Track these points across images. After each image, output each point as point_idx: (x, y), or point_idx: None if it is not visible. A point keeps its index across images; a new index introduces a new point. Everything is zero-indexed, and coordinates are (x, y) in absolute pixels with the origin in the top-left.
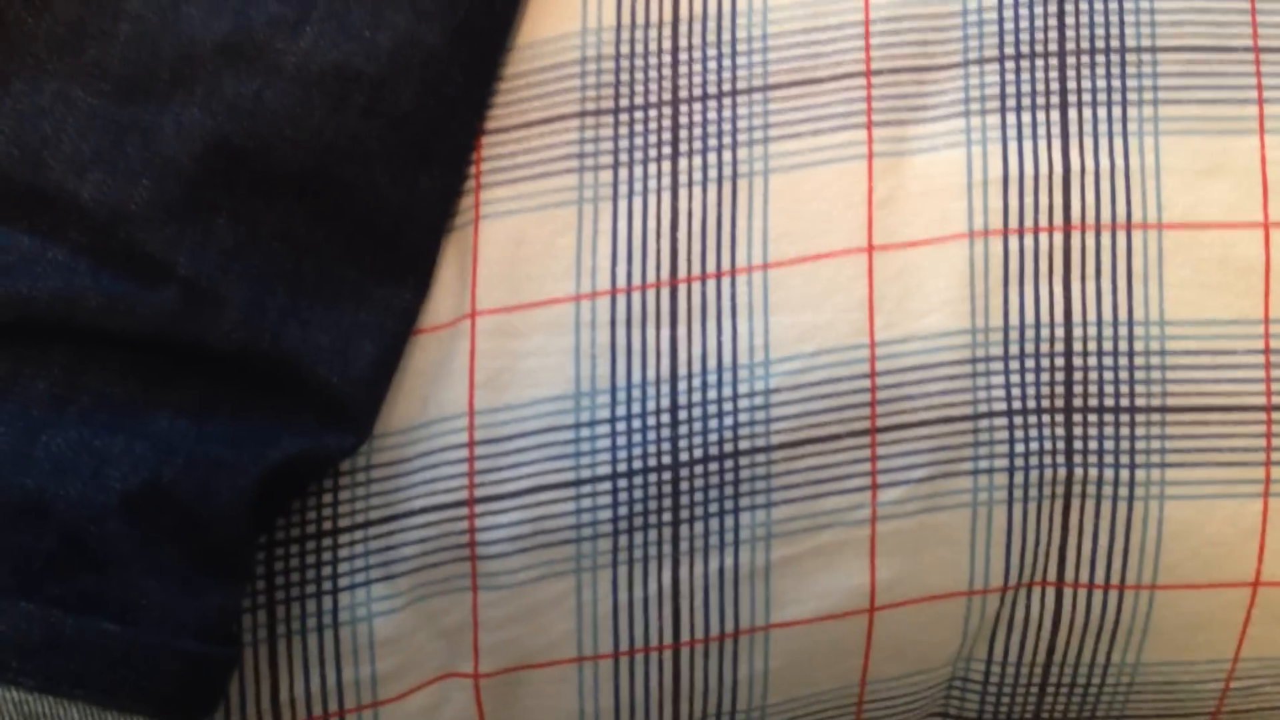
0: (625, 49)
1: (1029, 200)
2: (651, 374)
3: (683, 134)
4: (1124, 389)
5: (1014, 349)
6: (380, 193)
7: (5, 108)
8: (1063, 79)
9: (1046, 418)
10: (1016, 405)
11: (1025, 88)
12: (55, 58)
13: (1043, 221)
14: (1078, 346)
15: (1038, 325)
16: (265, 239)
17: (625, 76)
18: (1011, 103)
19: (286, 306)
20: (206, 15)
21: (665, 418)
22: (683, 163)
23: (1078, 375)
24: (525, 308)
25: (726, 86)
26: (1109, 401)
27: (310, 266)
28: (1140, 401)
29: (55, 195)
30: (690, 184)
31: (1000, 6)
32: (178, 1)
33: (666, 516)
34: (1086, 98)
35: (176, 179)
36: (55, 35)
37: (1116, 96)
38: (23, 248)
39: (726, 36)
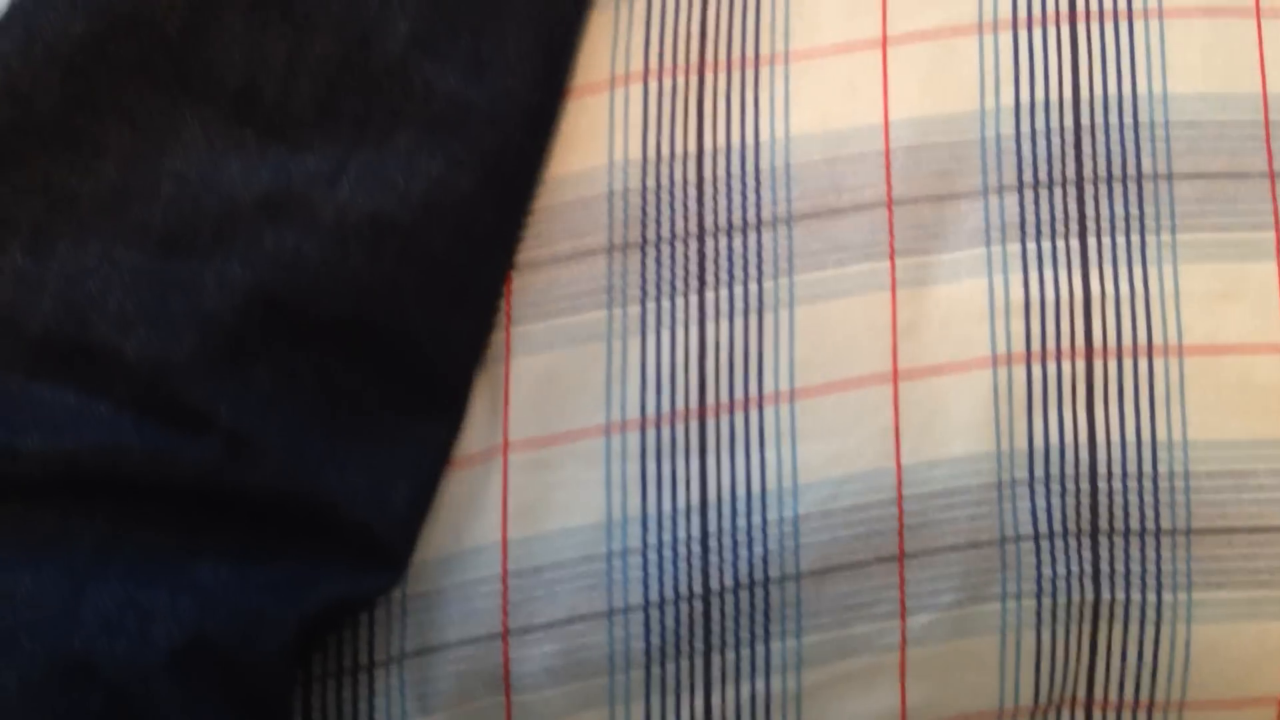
0: (651, 182)
1: (1050, 326)
2: (682, 503)
3: (709, 266)
4: (1149, 512)
5: (1039, 473)
6: (414, 334)
7: (52, 269)
8: (1081, 206)
9: (1073, 541)
10: (1043, 529)
11: (1044, 215)
12: (100, 218)
13: (1065, 347)
14: (1102, 470)
15: (1062, 449)
16: (303, 385)
17: (652, 210)
18: (1031, 230)
19: (324, 451)
20: (246, 171)
21: (696, 546)
22: (709, 295)
23: (1103, 499)
24: (556, 440)
25: (751, 218)
26: (1134, 524)
27: (347, 409)
28: (1165, 524)
29: (100, 352)
30: (717, 316)
31: (1018, 136)
32: (218, 159)
33: (698, 645)
34: (1105, 225)
35: (218, 332)
36: (100, 196)
37: (1134, 223)
38: (69, 404)
39: (750, 168)
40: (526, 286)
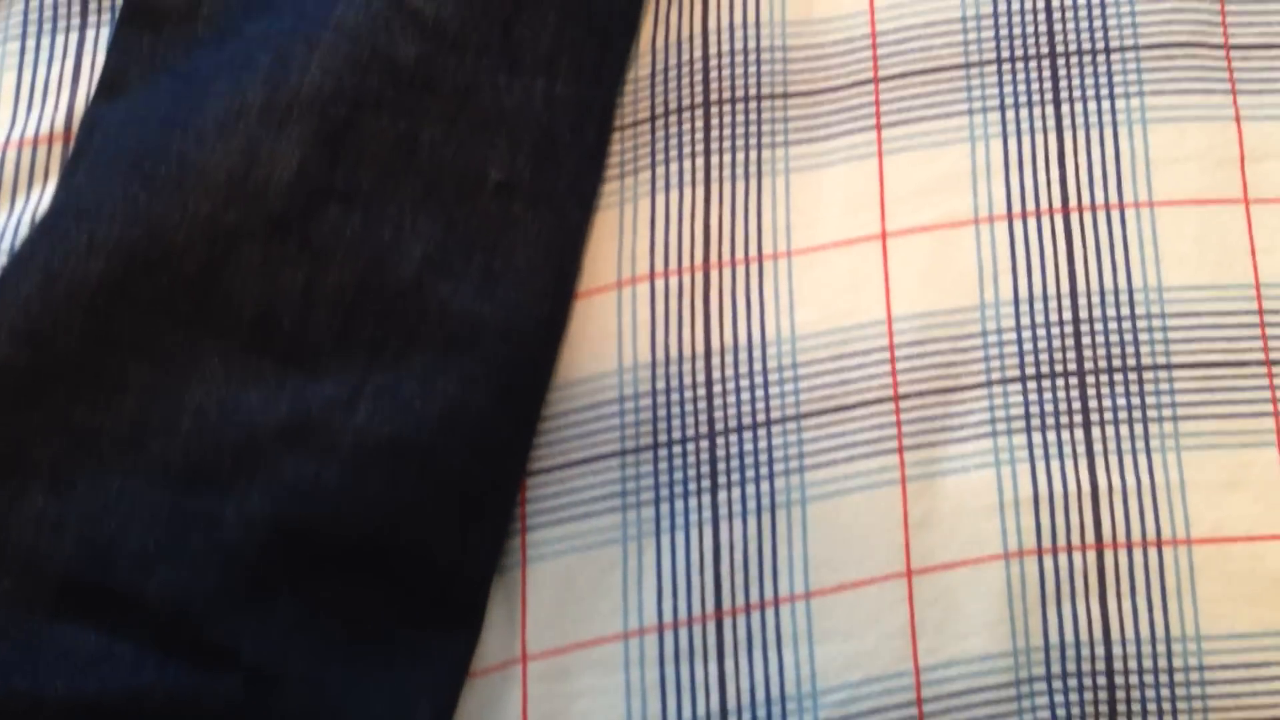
0: (661, 384)
1: (1060, 520)
2: (701, 709)
3: (720, 466)
4: (1166, 706)
5: (1055, 669)
6: (432, 551)
7: (73, 509)
8: (1084, 398)
9: None
10: None
11: (1049, 406)
12: (120, 455)
13: (1075, 541)
14: (1118, 665)
15: (1077, 644)
16: (323, 612)
17: (662, 412)
18: (1036, 422)
19: (345, 679)
20: (265, 401)
21: None
22: (722, 495)
23: (1120, 693)
24: (574, 648)
25: (761, 417)
26: (1153, 717)
27: (366, 632)
28: (1183, 716)
29: (122, 592)
30: (730, 516)
31: (1019, 328)
32: (237, 391)
33: None
34: (1109, 415)
35: (239, 567)
36: (120, 433)
37: (1137, 414)
38: (90, 646)
39: (759, 366)
40: (541, 493)
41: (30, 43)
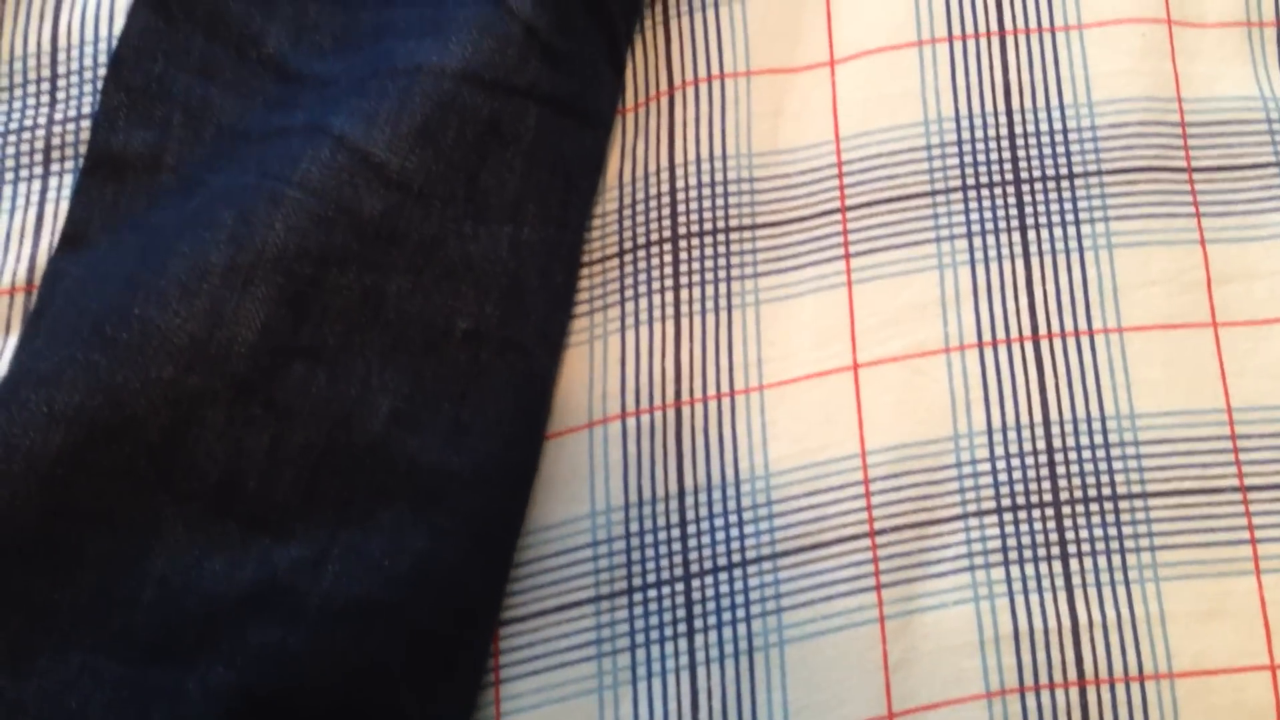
0: (635, 527)
1: (1041, 656)
2: None
3: (696, 609)
4: None
5: None
6: (404, 711)
7: (31, 687)
8: (1061, 529)
9: None
10: None
11: (1025, 539)
12: (80, 630)
13: (1057, 678)
14: None
15: None
16: None
17: (636, 555)
18: (1014, 555)
19: None
20: (230, 568)
21: None
22: (699, 639)
23: None
24: None
25: (736, 557)
26: None
27: None
28: None
29: None
30: (708, 661)
31: (993, 459)
32: (201, 558)
33: None
34: (1086, 547)
35: None
36: (80, 606)
37: (1115, 545)
38: None
39: (733, 505)
40: (515, 643)
41: None
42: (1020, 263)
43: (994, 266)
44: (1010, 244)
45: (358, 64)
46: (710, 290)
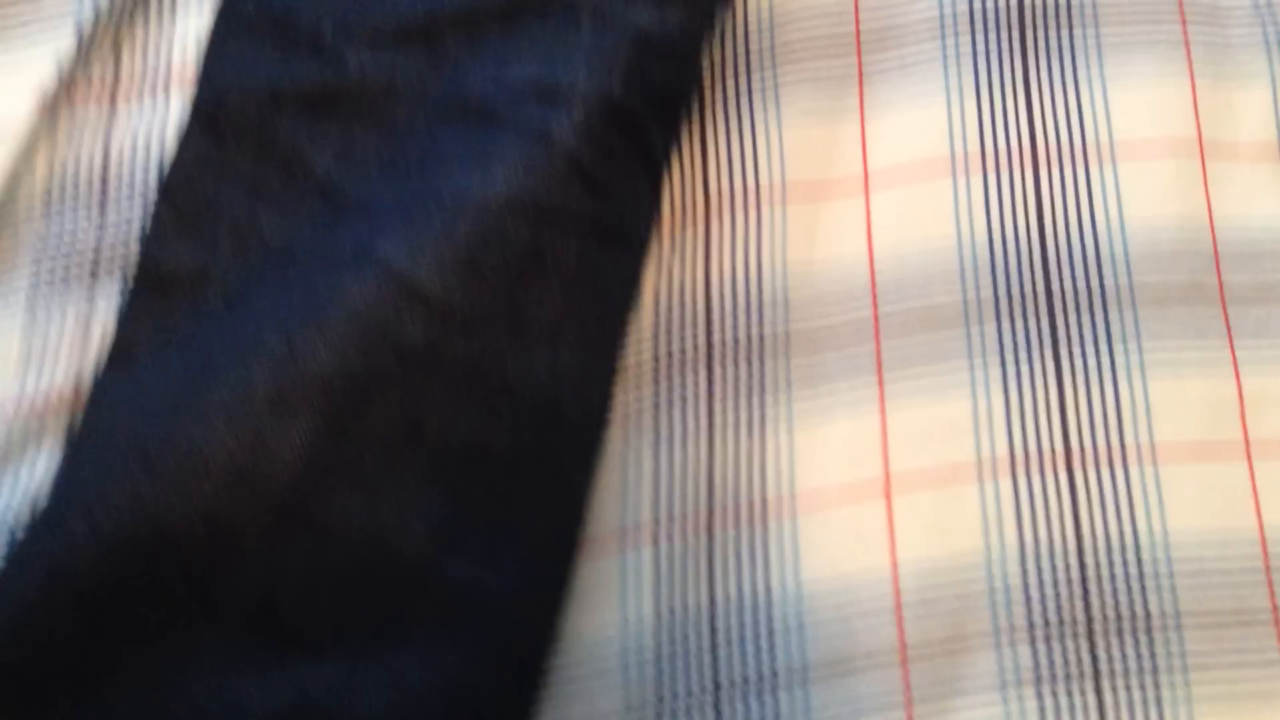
0: (666, 639)
1: None
2: None
3: None
4: None
5: None
6: None
7: None
8: (1093, 653)
9: None
10: None
11: (1058, 661)
12: None
13: None
14: None
15: None
16: None
17: (667, 668)
18: (1046, 677)
19: None
20: (263, 689)
21: None
22: None
23: None
24: None
25: (768, 674)
26: None
27: None
28: None
29: None
30: None
31: (1025, 581)
32: (235, 679)
33: None
34: (1119, 669)
35: None
36: None
37: (1148, 670)
38: None
39: (764, 622)
40: None
41: (40, 302)
42: (1053, 387)
43: (1026, 388)
44: (1043, 366)
45: (404, 190)
46: (745, 405)
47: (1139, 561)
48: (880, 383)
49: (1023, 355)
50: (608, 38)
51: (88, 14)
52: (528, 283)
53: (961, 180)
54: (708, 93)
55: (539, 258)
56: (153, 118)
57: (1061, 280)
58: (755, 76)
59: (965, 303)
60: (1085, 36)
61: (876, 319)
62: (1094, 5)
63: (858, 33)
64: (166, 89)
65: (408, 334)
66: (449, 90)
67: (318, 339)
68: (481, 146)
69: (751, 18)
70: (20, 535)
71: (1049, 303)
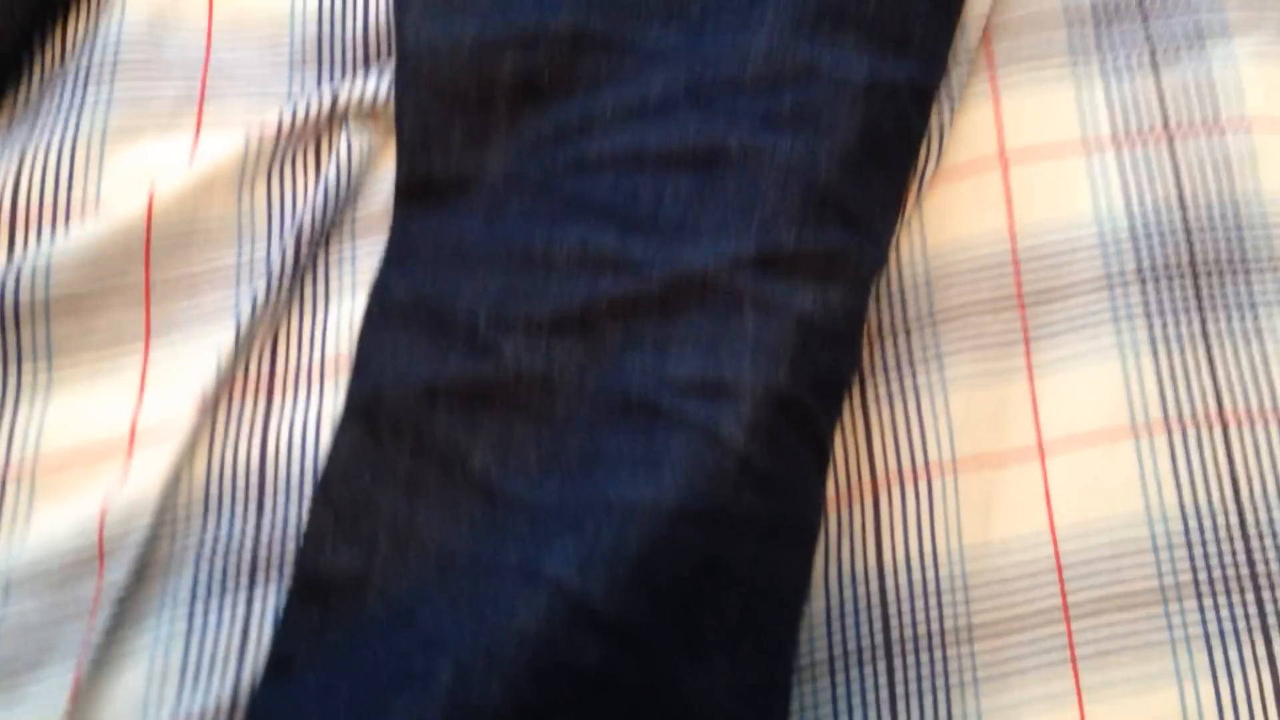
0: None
1: None
2: None
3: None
4: None
5: None
6: None
7: None
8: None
9: None
10: None
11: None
12: None
13: None
14: None
15: None
16: None
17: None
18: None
19: None
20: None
21: None
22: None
23: None
24: None
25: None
26: None
27: None
28: None
29: None
30: None
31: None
32: None
33: None
34: None
35: None
36: None
37: None
38: None
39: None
40: None
41: (199, 609)
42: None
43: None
44: (1245, 609)
45: (567, 493)
46: (929, 705)
47: None
48: (1075, 675)
49: (1228, 633)
50: (771, 326)
51: (245, 308)
52: (703, 594)
53: (1146, 449)
54: (865, 360)
55: (713, 567)
56: (308, 410)
57: (1265, 551)
58: (915, 340)
59: (1161, 581)
60: (1265, 284)
61: (1064, 600)
62: (1269, 248)
63: (1019, 291)
64: (321, 380)
65: (580, 658)
66: (609, 384)
67: (491, 671)
68: (647, 447)
69: (907, 279)
70: None
71: (1252, 573)
